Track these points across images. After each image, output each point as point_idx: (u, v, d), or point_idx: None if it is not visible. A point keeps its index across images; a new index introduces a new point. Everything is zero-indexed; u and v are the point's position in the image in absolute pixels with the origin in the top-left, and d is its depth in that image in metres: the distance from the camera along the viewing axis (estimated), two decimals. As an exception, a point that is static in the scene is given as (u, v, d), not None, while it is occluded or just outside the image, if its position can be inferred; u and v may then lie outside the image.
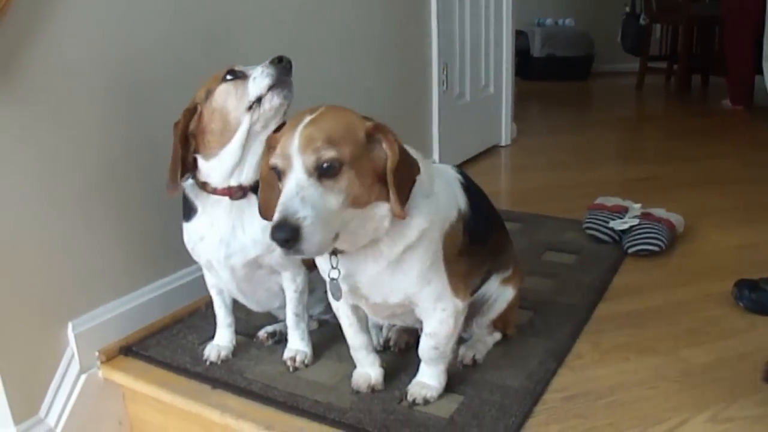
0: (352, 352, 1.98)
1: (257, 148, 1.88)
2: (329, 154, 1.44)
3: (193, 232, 2.02)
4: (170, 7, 2.34)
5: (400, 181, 1.52)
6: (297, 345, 2.11)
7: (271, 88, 1.85)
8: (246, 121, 1.86)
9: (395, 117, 3.75)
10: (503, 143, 5.09)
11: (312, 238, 1.42)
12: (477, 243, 1.85)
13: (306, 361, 2.09)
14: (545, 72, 8.33)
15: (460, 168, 1.95)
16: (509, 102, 5.09)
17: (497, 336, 2.17)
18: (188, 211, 2.01)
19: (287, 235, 1.40)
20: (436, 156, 4.20)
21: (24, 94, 1.94)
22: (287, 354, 2.11)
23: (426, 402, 1.88)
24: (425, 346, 1.86)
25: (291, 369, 2.07)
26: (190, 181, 1.97)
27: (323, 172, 1.46)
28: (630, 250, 2.82)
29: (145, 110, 2.27)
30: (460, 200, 1.80)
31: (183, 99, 1.96)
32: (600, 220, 3.07)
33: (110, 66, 2.17)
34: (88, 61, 2.11)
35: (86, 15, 2.08)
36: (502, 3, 4.87)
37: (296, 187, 1.45)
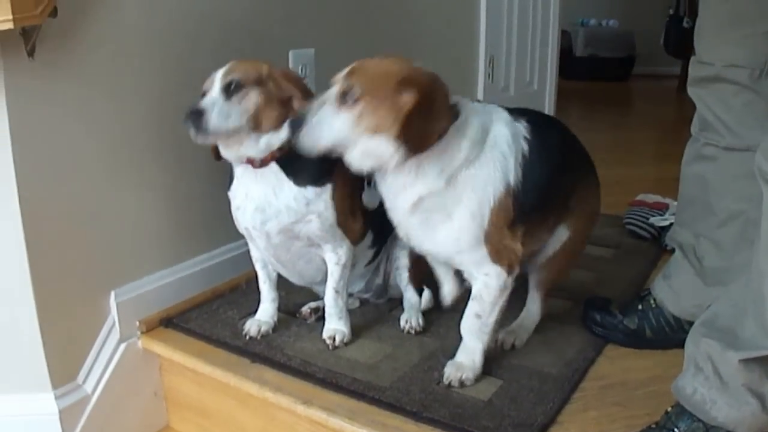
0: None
1: (242, 139, 1.93)
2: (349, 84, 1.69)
3: (232, 200, 2.06)
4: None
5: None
6: (335, 324, 2.12)
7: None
8: None
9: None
10: (545, 139, 5.04)
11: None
12: (532, 214, 1.88)
13: (345, 340, 2.10)
14: (587, 72, 8.29)
15: (533, 118, 1.95)
16: (552, 99, 5.08)
17: (536, 317, 2.18)
18: (229, 179, 2.06)
19: None
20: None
21: (81, 67, 1.97)
22: (326, 333, 2.11)
23: (462, 384, 1.89)
24: (469, 313, 1.89)
25: (331, 347, 2.08)
26: None
27: (344, 100, 1.68)
28: (669, 247, 2.80)
29: (194, 90, 2.28)
30: (511, 174, 1.80)
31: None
32: (640, 216, 3.06)
33: (164, 41, 2.21)
34: (143, 36, 2.14)
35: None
36: (550, 2, 4.87)
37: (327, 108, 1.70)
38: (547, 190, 1.92)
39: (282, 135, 1.90)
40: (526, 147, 1.85)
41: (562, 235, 2.07)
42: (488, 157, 1.78)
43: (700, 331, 1.64)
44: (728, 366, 1.53)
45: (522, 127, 1.88)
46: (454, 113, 1.75)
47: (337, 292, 2.09)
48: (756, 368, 1.50)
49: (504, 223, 1.80)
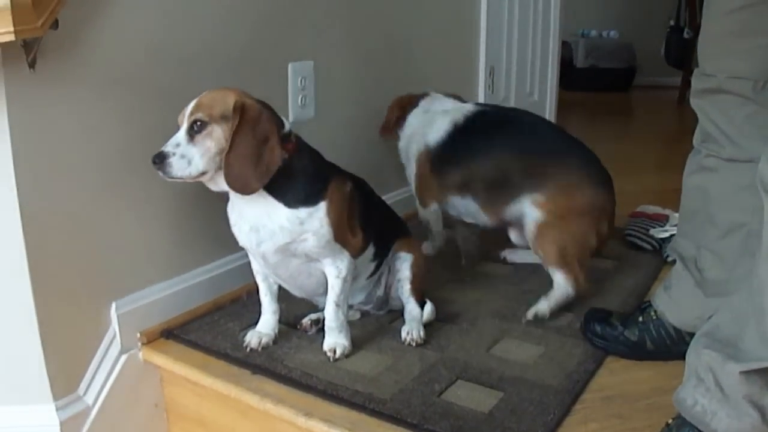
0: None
1: (214, 177, 1.94)
2: None
3: (229, 217, 2.08)
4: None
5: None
6: (335, 338, 2.11)
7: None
8: None
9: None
10: (545, 150, 5.03)
11: None
12: (448, 167, 2.65)
13: (345, 352, 2.09)
14: (587, 83, 8.28)
15: (492, 110, 2.86)
16: (553, 110, 5.07)
17: (562, 286, 2.37)
18: (227, 197, 2.06)
19: None
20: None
21: (82, 79, 1.98)
22: (326, 346, 2.10)
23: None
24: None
25: (331, 360, 2.08)
26: None
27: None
28: (669, 258, 2.80)
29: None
30: (431, 140, 2.70)
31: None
32: (640, 227, 3.06)
33: (165, 53, 2.21)
34: (144, 48, 2.14)
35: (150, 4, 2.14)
36: (550, 13, 4.86)
37: None
38: (463, 161, 2.61)
39: None
40: (459, 124, 2.67)
41: (535, 214, 2.43)
42: (420, 128, 2.78)
43: (701, 343, 1.63)
44: (729, 377, 1.53)
45: (463, 114, 2.69)
46: (414, 103, 2.87)
47: (337, 305, 2.09)
48: (757, 380, 1.50)
49: (426, 170, 2.71)
